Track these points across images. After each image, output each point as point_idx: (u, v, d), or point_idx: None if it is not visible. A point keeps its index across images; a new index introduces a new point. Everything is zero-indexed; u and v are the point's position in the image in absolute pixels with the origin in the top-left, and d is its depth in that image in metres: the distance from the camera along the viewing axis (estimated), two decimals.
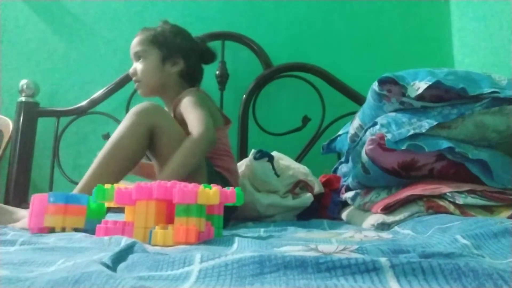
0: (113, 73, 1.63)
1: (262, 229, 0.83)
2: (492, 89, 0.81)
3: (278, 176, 1.14)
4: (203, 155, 0.95)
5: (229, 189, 0.68)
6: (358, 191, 1.05)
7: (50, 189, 1.54)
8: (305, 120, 1.62)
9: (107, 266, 0.38)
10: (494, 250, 0.48)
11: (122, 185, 0.66)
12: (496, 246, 0.49)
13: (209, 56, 1.25)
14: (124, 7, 1.73)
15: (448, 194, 0.78)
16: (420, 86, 0.82)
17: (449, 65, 1.67)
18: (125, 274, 0.38)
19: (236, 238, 0.59)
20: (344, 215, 1.11)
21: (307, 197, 1.12)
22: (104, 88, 1.59)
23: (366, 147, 0.87)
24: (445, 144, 0.81)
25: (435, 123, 0.82)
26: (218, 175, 1.03)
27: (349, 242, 0.63)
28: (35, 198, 0.74)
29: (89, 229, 0.70)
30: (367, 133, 0.92)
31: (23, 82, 1.55)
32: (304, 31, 1.73)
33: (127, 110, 1.59)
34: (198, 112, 0.99)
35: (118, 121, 1.59)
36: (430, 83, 0.81)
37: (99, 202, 0.75)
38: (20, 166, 1.50)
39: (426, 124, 0.82)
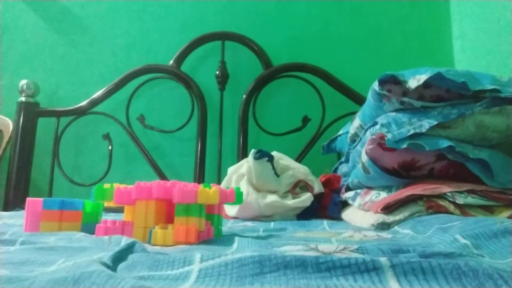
0: (113, 73, 1.63)
1: (261, 229, 0.83)
2: (494, 86, 0.81)
3: (278, 176, 1.13)
4: None
5: (228, 189, 0.68)
6: (358, 191, 1.05)
7: (50, 189, 1.54)
8: (305, 120, 1.62)
9: (107, 266, 0.38)
10: (494, 250, 0.48)
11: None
12: (496, 246, 0.49)
13: None
14: (124, 7, 1.73)
15: (448, 194, 0.78)
16: (421, 78, 0.82)
17: (449, 65, 1.67)
18: (125, 274, 0.38)
19: (236, 238, 0.59)
20: (344, 215, 1.11)
21: (307, 197, 1.12)
22: (104, 88, 1.59)
23: (366, 147, 0.87)
24: (445, 143, 0.81)
25: (435, 123, 0.82)
26: None
27: (349, 241, 0.63)
28: (30, 203, 0.71)
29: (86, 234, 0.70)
30: (367, 133, 0.92)
31: (23, 82, 1.55)
32: (304, 31, 1.73)
33: (127, 110, 1.59)
34: None
35: (118, 121, 1.59)
36: (432, 74, 0.81)
37: (94, 205, 0.75)
38: (20, 166, 1.50)
39: (426, 124, 0.82)
